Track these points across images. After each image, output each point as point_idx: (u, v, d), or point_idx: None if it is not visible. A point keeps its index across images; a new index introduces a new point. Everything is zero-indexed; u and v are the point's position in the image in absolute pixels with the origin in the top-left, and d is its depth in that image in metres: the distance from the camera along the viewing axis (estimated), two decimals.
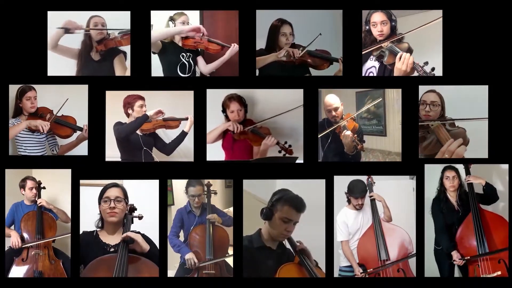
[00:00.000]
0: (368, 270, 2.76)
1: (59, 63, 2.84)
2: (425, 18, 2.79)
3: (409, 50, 2.73)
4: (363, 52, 2.79)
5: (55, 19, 2.80)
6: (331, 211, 2.81)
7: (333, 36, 2.86)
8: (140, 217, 2.69)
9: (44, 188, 2.89)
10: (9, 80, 2.81)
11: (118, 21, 2.84)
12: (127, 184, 2.75)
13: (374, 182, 2.83)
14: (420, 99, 2.80)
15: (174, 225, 2.86)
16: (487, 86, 2.79)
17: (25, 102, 2.86)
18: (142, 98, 2.90)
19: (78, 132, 2.90)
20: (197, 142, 2.84)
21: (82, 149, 2.86)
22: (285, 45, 2.92)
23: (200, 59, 2.99)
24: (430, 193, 2.85)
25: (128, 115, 2.94)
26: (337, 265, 2.83)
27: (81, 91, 2.81)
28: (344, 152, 2.89)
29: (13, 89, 2.83)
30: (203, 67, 2.98)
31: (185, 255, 2.79)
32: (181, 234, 2.88)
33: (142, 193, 2.75)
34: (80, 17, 2.84)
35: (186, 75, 2.93)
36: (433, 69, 2.71)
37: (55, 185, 2.88)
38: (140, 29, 2.82)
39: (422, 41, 2.79)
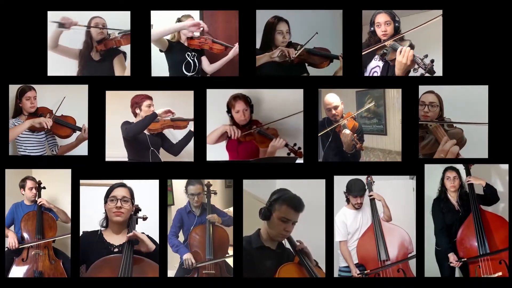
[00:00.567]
0: (365, 272, 2.76)
1: (59, 63, 2.84)
2: (425, 17, 2.79)
3: (411, 46, 2.73)
4: (367, 51, 2.79)
5: (55, 19, 2.80)
6: (331, 211, 2.81)
7: (332, 34, 2.85)
8: (145, 218, 2.69)
9: (44, 188, 2.89)
10: (9, 80, 2.82)
11: (119, 21, 2.84)
12: (127, 184, 2.75)
13: (374, 182, 2.83)
14: (418, 100, 2.80)
15: (173, 225, 2.86)
16: (487, 86, 2.79)
17: (25, 102, 2.86)
18: (150, 98, 2.90)
19: (78, 133, 2.90)
20: (197, 142, 2.84)
21: (82, 149, 2.86)
22: (281, 44, 2.89)
23: (204, 59, 3.00)
24: (431, 193, 2.85)
25: (135, 114, 2.95)
26: (337, 265, 2.83)
27: (81, 91, 2.81)
28: (342, 150, 2.90)
29: (13, 89, 2.83)
30: (207, 67, 2.99)
31: (183, 255, 2.79)
32: (181, 234, 2.88)
33: (142, 193, 2.74)
34: (81, 17, 2.84)
35: (191, 74, 2.93)
36: (432, 61, 2.69)
37: (55, 185, 2.88)
38: (140, 29, 2.82)
39: (422, 41, 2.79)
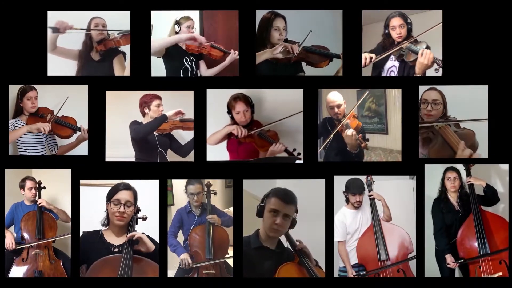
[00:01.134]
0: (361, 273, 2.76)
1: (59, 63, 2.84)
2: (425, 17, 2.80)
3: (427, 47, 2.77)
4: (385, 55, 2.82)
5: (55, 19, 2.81)
6: (331, 211, 2.81)
7: (331, 31, 2.84)
8: (145, 218, 2.69)
9: (44, 188, 2.89)
10: (9, 80, 2.82)
11: (118, 21, 2.84)
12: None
13: (374, 181, 2.83)
14: (420, 98, 2.80)
15: (172, 224, 2.86)
16: (487, 86, 2.79)
17: (26, 102, 2.86)
18: (159, 98, 2.90)
19: (78, 133, 2.90)
20: (197, 142, 2.84)
21: (82, 149, 2.87)
22: (277, 41, 2.85)
23: (202, 63, 2.99)
24: (431, 193, 2.85)
25: (144, 114, 2.95)
26: (337, 265, 2.83)
27: (81, 91, 2.81)
28: (346, 151, 2.88)
29: (14, 89, 2.84)
30: (204, 71, 2.98)
31: (180, 255, 2.79)
32: (181, 234, 2.88)
33: (142, 193, 2.74)
34: (80, 17, 2.84)
35: None
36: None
37: (55, 185, 2.88)
38: (140, 29, 2.82)
39: (423, 41, 2.82)
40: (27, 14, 2.80)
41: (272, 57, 2.84)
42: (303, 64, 2.92)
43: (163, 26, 2.92)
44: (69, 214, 2.82)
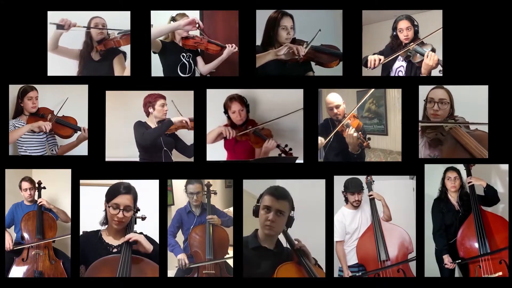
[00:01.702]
0: (358, 274, 2.77)
1: (59, 63, 2.85)
2: (425, 17, 2.81)
3: (433, 50, 2.79)
4: (393, 57, 2.84)
5: (55, 19, 2.81)
6: (331, 211, 2.81)
7: (339, 31, 2.84)
8: (143, 218, 2.69)
9: (44, 188, 2.89)
10: (9, 80, 2.82)
11: (118, 21, 2.85)
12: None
13: (373, 181, 2.83)
14: (426, 97, 2.80)
15: (171, 224, 2.86)
16: (487, 86, 2.79)
17: (27, 102, 2.86)
18: (163, 97, 2.91)
19: (79, 132, 2.90)
20: (197, 142, 2.84)
21: (82, 149, 2.87)
22: (285, 41, 2.85)
23: (199, 59, 2.99)
24: (432, 193, 2.85)
25: (148, 114, 2.95)
26: (337, 265, 2.83)
27: (81, 91, 2.81)
28: (347, 151, 2.88)
29: (14, 89, 2.84)
30: (202, 67, 2.98)
31: (177, 255, 2.80)
32: (180, 234, 2.88)
33: (142, 193, 2.74)
34: (80, 17, 2.84)
35: (186, 75, 2.93)
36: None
37: (55, 185, 2.88)
38: (140, 29, 2.82)
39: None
40: (27, 14, 2.80)
41: (277, 58, 2.83)
42: (313, 64, 2.91)
43: (157, 27, 2.91)
44: (69, 214, 2.82)
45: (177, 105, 2.92)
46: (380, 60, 2.82)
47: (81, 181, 2.80)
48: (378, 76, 2.86)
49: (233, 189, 2.82)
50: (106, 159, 2.83)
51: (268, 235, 2.49)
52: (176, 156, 2.96)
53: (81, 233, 2.78)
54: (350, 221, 2.85)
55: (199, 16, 2.96)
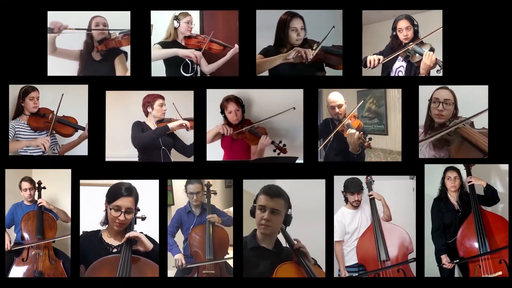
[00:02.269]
0: (355, 275, 2.77)
1: (60, 63, 2.85)
2: (425, 17, 2.81)
3: (432, 49, 2.79)
4: (392, 56, 2.83)
5: (55, 19, 2.81)
6: (331, 211, 2.81)
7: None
8: (144, 218, 2.68)
9: (44, 188, 2.89)
10: (9, 80, 2.82)
11: (119, 21, 2.85)
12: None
13: (373, 181, 2.83)
14: (431, 97, 2.79)
15: (171, 224, 2.86)
16: (487, 86, 2.79)
17: (28, 102, 2.86)
18: (162, 98, 2.91)
19: (80, 132, 2.90)
20: (197, 142, 2.84)
21: (82, 149, 2.87)
22: (295, 42, 2.85)
23: (202, 59, 2.99)
24: (432, 193, 2.85)
25: (147, 114, 2.96)
26: (337, 265, 2.83)
27: (81, 91, 2.81)
28: (347, 151, 2.88)
29: (14, 89, 2.84)
30: (205, 67, 2.98)
31: (174, 255, 2.80)
32: (180, 234, 2.88)
33: (142, 193, 2.74)
34: (80, 17, 2.84)
35: (189, 75, 2.93)
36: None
37: (55, 185, 2.88)
38: (140, 29, 2.82)
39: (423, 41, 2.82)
40: (27, 14, 2.80)
41: (286, 62, 2.84)
42: (323, 64, 2.90)
43: (163, 26, 2.92)
44: (69, 214, 2.82)
45: (177, 105, 2.92)
46: (379, 60, 2.82)
47: (81, 181, 2.80)
48: (378, 76, 2.86)
49: (233, 189, 2.82)
50: (106, 159, 2.83)
51: (264, 234, 2.49)
52: (176, 156, 2.96)
53: (81, 233, 2.78)
54: (350, 221, 2.85)
55: (199, 16, 2.96)
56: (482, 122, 2.78)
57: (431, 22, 2.81)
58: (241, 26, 2.84)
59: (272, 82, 2.85)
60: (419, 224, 2.81)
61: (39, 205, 2.88)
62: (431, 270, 2.80)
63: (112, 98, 2.83)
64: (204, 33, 2.98)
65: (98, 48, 2.90)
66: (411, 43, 2.82)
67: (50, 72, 2.82)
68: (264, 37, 2.86)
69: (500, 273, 2.69)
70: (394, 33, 2.86)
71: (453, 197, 2.85)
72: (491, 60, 2.80)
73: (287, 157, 2.89)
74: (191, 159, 2.86)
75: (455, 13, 2.80)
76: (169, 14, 2.91)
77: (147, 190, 2.78)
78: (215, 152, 2.94)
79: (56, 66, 2.83)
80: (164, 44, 2.93)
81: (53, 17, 2.81)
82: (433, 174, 2.83)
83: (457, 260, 2.75)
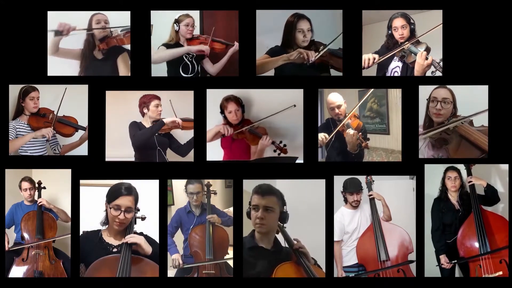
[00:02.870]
0: (352, 275, 2.78)
1: (60, 63, 2.85)
2: (425, 17, 2.80)
3: (427, 49, 2.78)
4: (387, 56, 2.82)
5: (56, 19, 2.81)
6: (331, 211, 2.81)
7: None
8: (143, 218, 2.68)
9: (44, 188, 2.89)
10: (9, 80, 2.82)
11: (119, 21, 2.85)
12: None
13: (373, 181, 2.83)
14: (429, 96, 2.79)
15: (170, 224, 2.86)
16: (487, 86, 2.79)
17: (28, 102, 2.86)
18: (158, 98, 2.91)
19: (81, 132, 2.90)
20: (197, 142, 2.84)
21: (82, 149, 2.87)
22: (302, 43, 2.87)
23: (206, 61, 2.99)
24: (432, 193, 2.85)
25: (143, 114, 2.96)
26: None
27: (81, 91, 2.81)
28: (346, 151, 2.89)
29: (15, 89, 2.84)
30: (211, 68, 2.98)
31: (172, 255, 2.81)
32: (180, 234, 2.88)
33: (142, 193, 2.74)
34: (80, 17, 2.84)
35: (189, 75, 2.93)
36: (441, 60, 2.78)
37: (55, 185, 2.88)
38: (140, 29, 2.82)
39: (423, 41, 2.82)
40: (28, 14, 2.81)
41: (288, 62, 2.85)
42: (329, 66, 2.90)
43: (163, 26, 2.92)
44: (69, 214, 2.82)
45: (175, 105, 2.92)
46: (374, 59, 2.81)
47: (81, 181, 2.81)
48: (379, 76, 2.86)
49: (233, 189, 2.82)
50: (106, 159, 2.83)
51: (261, 233, 2.49)
52: (171, 156, 2.96)
53: (81, 233, 2.78)
54: (349, 221, 2.85)
55: (199, 16, 2.97)
56: (481, 120, 2.78)
57: (430, 22, 2.80)
58: (241, 26, 2.84)
59: (272, 82, 2.85)
60: (419, 224, 2.81)
61: (39, 205, 2.88)
62: (431, 270, 2.79)
63: (112, 98, 2.83)
64: (204, 33, 2.98)
65: (100, 47, 2.90)
66: (407, 42, 2.80)
67: (51, 72, 2.83)
68: (270, 37, 2.87)
69: (500, 273, 2.69)
70: (390, 32, 2.84)
71: (453, 197, 2.85)
72: (491, 60, 2.80)
73: (287, 157, 2.89)
74: (191, 159, 2.86)
75: (455, 13, 2.80)
76: (169, 15, 2.91)
77: (147, 190, 2.78)
78: (215, 152, 2.94)
79: (56, 65, 2.83)
80: (168, 46, 2.93)
81: (54, 18, 2.80)
82: (433, 174, 2.83)
83: (456, 260, 2.75)
